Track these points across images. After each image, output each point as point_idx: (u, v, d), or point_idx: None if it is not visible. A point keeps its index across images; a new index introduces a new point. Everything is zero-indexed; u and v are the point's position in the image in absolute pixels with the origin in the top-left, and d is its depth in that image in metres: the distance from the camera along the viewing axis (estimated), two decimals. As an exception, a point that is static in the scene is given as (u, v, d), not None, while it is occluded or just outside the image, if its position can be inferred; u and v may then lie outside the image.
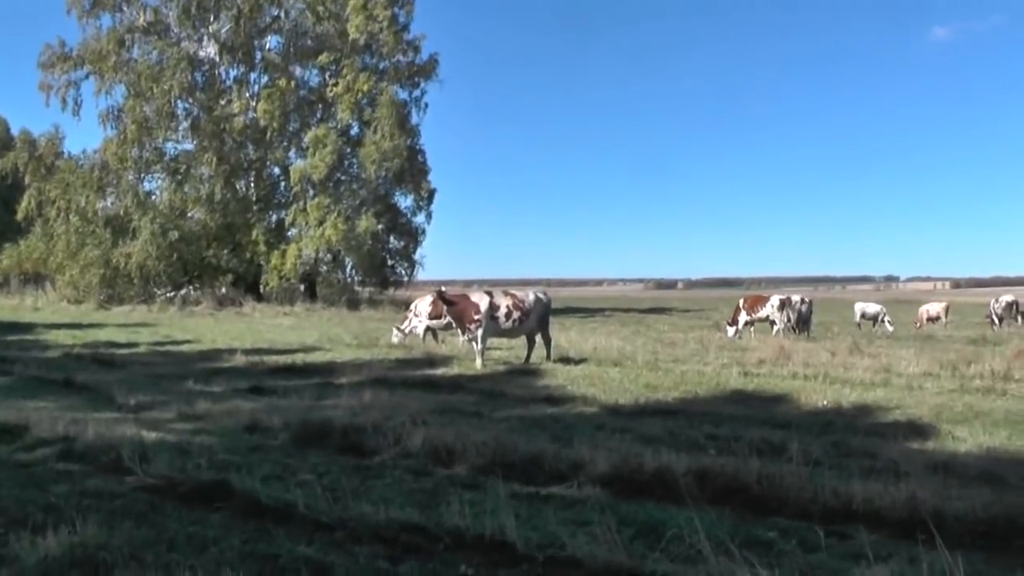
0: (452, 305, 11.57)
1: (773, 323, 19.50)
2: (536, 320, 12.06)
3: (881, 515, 4.04)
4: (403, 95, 32.20)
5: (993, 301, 29.81)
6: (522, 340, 12.56)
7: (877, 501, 4.16)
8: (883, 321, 27.01)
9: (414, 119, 32.61)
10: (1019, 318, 28.13)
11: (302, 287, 31.39)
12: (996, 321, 27.84)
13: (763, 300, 19.98)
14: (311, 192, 29.95)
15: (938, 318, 28.99)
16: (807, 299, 21.66)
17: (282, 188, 31.89)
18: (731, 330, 19.60)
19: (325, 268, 31.40)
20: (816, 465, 5.33)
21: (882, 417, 7.77)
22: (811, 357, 12.78)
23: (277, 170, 32.30)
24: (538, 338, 12.16)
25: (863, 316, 27.66)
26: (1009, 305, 29.06)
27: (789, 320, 19.48)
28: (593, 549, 3.41)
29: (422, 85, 32.62)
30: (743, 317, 19.82)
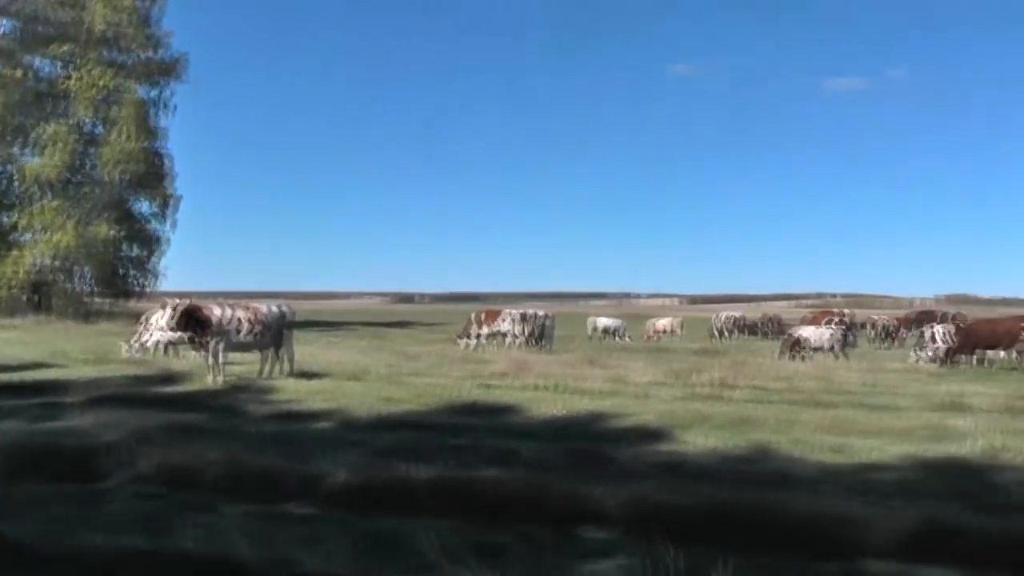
0: (195, 318, 12.16)
1: (509, 336, 22.33)
2: (275, 333, 12.96)
3: (611, 514, 4.75)
4: (147, 94, 33.36)
5: (714, 317, 37.02)
6: (262, 355, 13.33)
7: (607, 501, 4.83)
8: (621, 335, 31.61)
9: (161, 121, 33.94)
10: (739, 332, 35.17)
11: (31, 297, 31.38)
12: (717, 335, 34.62)
13: (497, 314, 22.90)
14: (44, 194, 30.22)
15: (667, 331, 34.70)
16: (549, 314, 24.65)
17: (12, 189, 31.61)
18: (462, 343, 22.23)
19: (58, 277, 31.58)
20: (551, 471, 6.13)
21: (615, 424, 9.02)
22: (548, 369, 14.43)
23: (6, 169, 31.66)
24: (281, 352, 13.23)
25: (599, 330, 31.99)
26: (729, 320, 36.15)
27: (525, 333, 22.38)
28: (329, 565, 3.75)
29: (169, 85, 34.05)
30: (476, 330, 22.57)
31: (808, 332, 20.52)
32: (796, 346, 19.98)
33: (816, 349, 19.97)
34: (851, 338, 22.23)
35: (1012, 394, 12.37)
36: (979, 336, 18.74)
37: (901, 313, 39.13)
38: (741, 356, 17.66)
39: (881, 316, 32.35)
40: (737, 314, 36.38)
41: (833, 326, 21.97)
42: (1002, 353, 18.99)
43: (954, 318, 27.86)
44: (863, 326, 31.02)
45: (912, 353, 20.36)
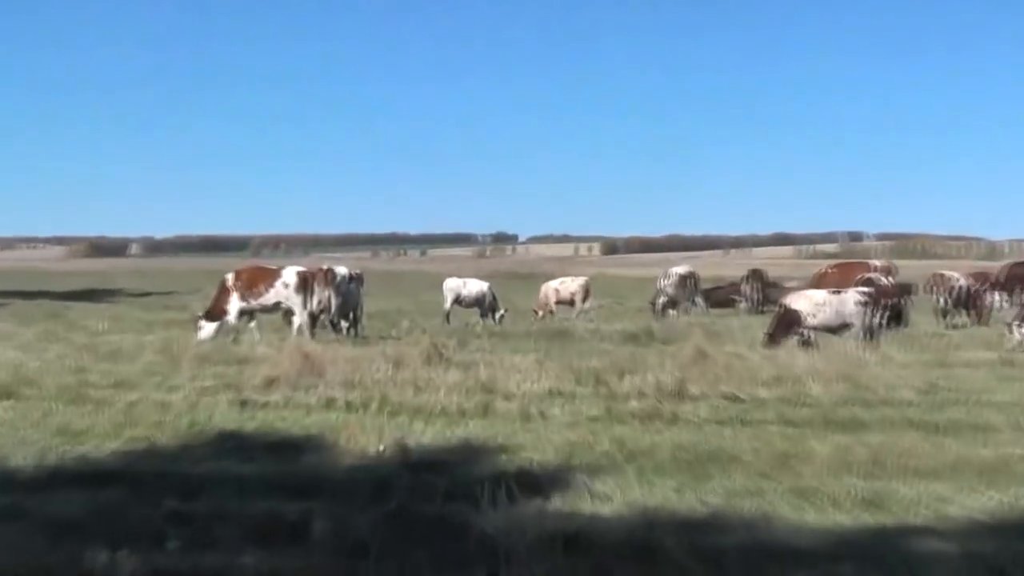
0: None
1: (291, 314, 22.56)
2: None
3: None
4: None
5: (662, 275, 37.94)
6: None
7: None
8: (492, 309, 32.04)
9: None
10: (696, 299, 36.68)
11: None
12: (662, 306, 35.58)
13: (270, 275, 22.94)
14: None
15: (572, 301, 35.56)
16: (358, 272, 25.36)
17: None
18: (210, 328, 22.12)
19: None
20: (362, 554, 6.22)
21: (477, 467, 9.22)
22: (359, 370, 14.62)
23: None
24: None
25: (458, 301, 32.16)
26: (683, 279, 37.22)
27: (314, 306, 22.70)
28: None
29: None
30: (235, 303, 22.52)
31: (814, 300, 21.27)
32: (794, 324, 20.71)
33: (834, 329, 20.79)
34: (904, 309, 23.11)
35: None
36: None
37: (982, 266, 41.40)
38: (701, 342, 18.13)
39: (951, 274, 33.73)
40: (691, 271, 37.54)
41: (864, 290, 22.75)
42: None
43: None
44: (924, 290, 32.43)
45: (1011, 332, 21.48)
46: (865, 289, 22.43)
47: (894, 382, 14.71)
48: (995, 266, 37.89)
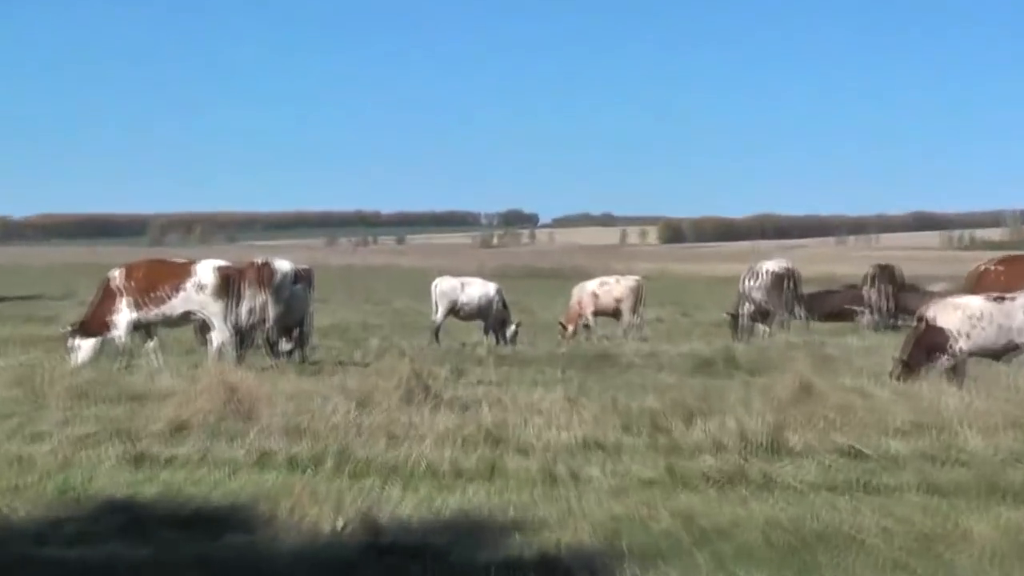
0: None
1: (207, 328, 22.96)
2: None
3: None
4: None
5: (747, 274, 37.51)
6: None
7: None
8: (501, 323, 31.78)
9: None
10: (797, 308, 36.26)
11: None
12: (748, 318, 35.25)
13: (176, 273, 23.18)
14: None
15: (618, 311, 35.41)
16: (306, 268, 26.08)
17: None
18: (88, 347, 22.37)
19: None
20: None
21: (480, 553, 9.23)
22: (308, 411, 14.70)
23: None
24: None
25: (454, 311, 32.03)
26: (779, 279, 36.90)
27: (253, 318, 23.02)
28: None
29: None
30: (125, 313, 22.72)
31: (969, 312, 21.16)
32: (940, 347, 20.65)
33: (998, 352, 20.71)
34: None
35: None
36: None
37: None
38: (806, 372, 18.07)
39: None
40: (789, 267, 37.40)
41: None
42: None
43: None
44: None
45: None
46: None
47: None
48: None
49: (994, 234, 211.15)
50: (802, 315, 36.18)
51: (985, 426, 14.33)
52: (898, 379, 19.47)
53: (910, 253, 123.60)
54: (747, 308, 35.58)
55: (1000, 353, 20.58)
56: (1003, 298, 21.44)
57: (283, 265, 24.39)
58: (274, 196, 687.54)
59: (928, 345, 20.64)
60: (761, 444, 13.36)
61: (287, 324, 24.12)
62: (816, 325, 36.26)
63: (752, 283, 36.23)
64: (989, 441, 13.74)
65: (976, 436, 13.84)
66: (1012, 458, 13.05)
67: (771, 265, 37.20)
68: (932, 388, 17.51)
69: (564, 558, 9.08)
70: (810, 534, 9.80)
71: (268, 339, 23.86)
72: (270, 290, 23.12)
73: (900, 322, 33.42)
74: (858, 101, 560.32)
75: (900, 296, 36.79)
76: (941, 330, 20.63)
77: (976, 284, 30.15)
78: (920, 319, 21.74)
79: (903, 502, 11.08)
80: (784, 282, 36.12)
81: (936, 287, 36.41)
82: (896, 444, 13.63)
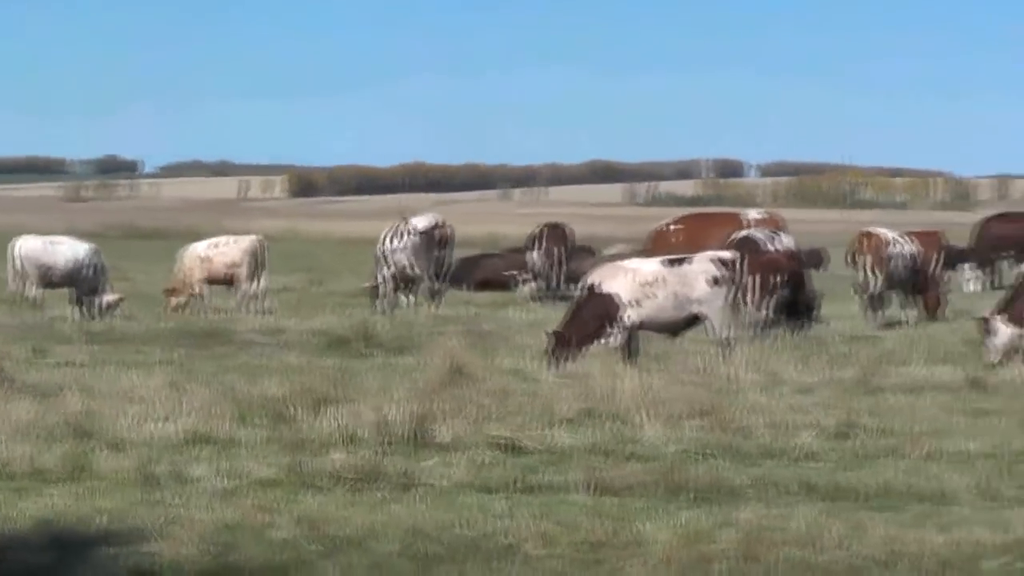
0: None
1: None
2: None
3: None
4: None
5: (389, 232, 37.51)
6: None
7: None
8: (93, 291, 31.48)
9: None
10: (447, 274, 36.86)
11: None
12: (381, 287, 35.41)
13: None
14: None
15: (233, 278, 34.91)
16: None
17: None
18: None
19: None
20: None
21: (62, 571, 9.24)
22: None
23: None
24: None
25: (44, 278, 31.60)
26: (427, 239, 37.00)
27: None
28: None
29: None
30: None
31: (640, 277, 21.42)
32: (608, 318, 20.97)
33: (676, 325, 21.28)
34: (806, 293, 24.02)
35: None
36: None
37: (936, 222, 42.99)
38: (457, 352, 18.32)
39: (887, 233, 34.65)
40: (438, 222, 37.82)
41: (723, 256, 23.11)
42: None
43: None
44: (845, 260, 33.41)
45: (990, 332, 22.42)
46: (726, 255, 22.95)
47: (787, 419, 15.31)
48: (962, 221, 39.47)
49: (686, 188, 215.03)
50: (443, 283, 36.61)
51: (667, 415, 14.77)
52: (554, 357, 19.79)
53: (588, 210, 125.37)
54: (384, 273, 35.78)
55: (680, 326, 21.07)
56: (680, 261, 21.96)
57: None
58: None
59: (593, 315, 20.96)
60: (403, 437, 13.60)
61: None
62: (473, 296, 36.74)
63: (395, 243, 36.45)
64: (670, 432, 14.22)
65: (655, 426, 14.32)
66: (696, 451, 13.52)
67: (418, 222, 37.48)
68: (605, 369, 17.85)
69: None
70: (459, 542, 10.00)
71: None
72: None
73: (570, 291, 34.01)
74: (520, 32, 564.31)
75: (571, 261, 37.40)
76: (609, 297, 20.98)
77: (653, 246, 31.22)
78: (585, 286, 22.13)
79: (568, 503, 11.43)
80: (432, 242, 36.47)
81: (613, 249, 37.19)
82: (562, 436, 14.01)
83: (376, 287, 35.59)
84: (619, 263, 23.31)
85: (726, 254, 22.42)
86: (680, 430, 14.29)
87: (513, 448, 13.44)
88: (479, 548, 9.87)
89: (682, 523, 10.53)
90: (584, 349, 20.06)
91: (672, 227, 34.10)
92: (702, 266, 21.25)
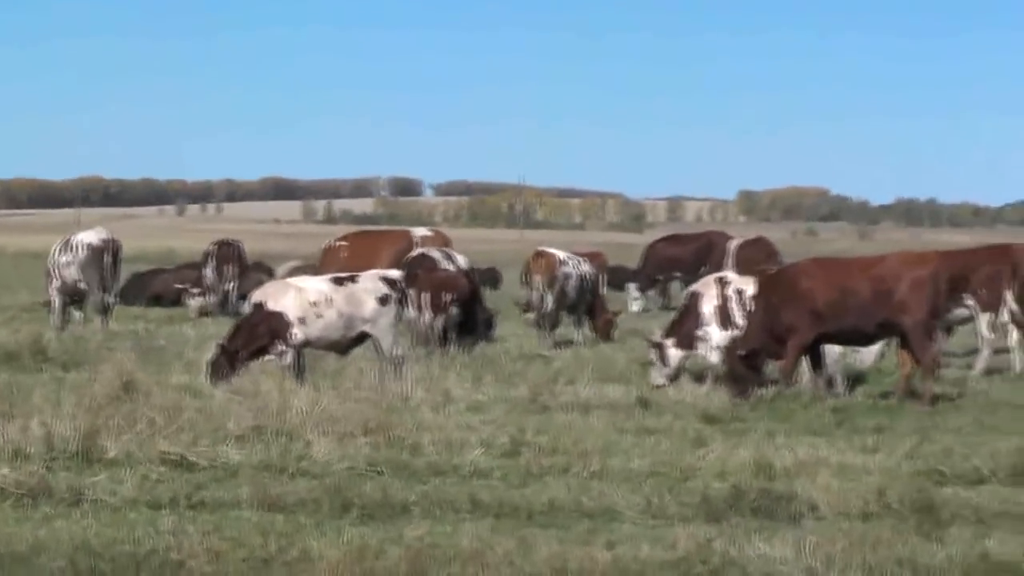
0: None
1: None
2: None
3: None
4: None
5: (59, 247, 37.30)
6: None
7: None
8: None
9: None
10: (113, 288, 36.96)
11: None
12: (61, 297, 35.54)
13: None
14: None
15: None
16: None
17: None
18: None
19: None
20: None
21: None
22: None
23: None
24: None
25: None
26: (98, 253, 36.74)
27: None
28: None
29: None
30: None
31: (307, 296, 21.58)
32: (274, 337, 21.10)
33: (344, 344, 21.42)
34: (477, 312, 24.27)
35: None
36: None
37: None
38: (128, 367, 18.24)
39: (558, 253, 35.60)
40: (107, 239, 37.70)
41: (390, 275, 23.48)
42: None
43: None
44: (521, 280, 34.31)
45: (660, 355, 22.72)
46: (393, 274, 23.17)
47: (457, 437, 15.56)
48: (635, 242, 40.39)
49: (364, 206, 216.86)
50: (112, 300, 36.48)
51: (338, 432, 14.88)
52: (215, 370, 19.84)
53: (266, 227, 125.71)
54: (58, 287, 35.53)
55: (350, 345, 21.23)
56: (348, 280, 22.12)
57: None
58: None
59: (260, 333, 21.00)
60: (71, 452, 13.50)
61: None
62: (146, 311, 36.66)
63: (64, 257, 36.17)
64: (341, 449, 14.35)
65: (326, 443, 14.42)
66: (365, 468, 13.67)
67: (88, 236, 37.23)
68: (278, 387, 17.92)
69: None
70: (126, 558, 10.02)
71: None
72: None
73: (242, 308, 34.16)
74: (199, 45, 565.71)
75: (244, 278, 37.53)
76: (277, 315, 21.09)
77: (322, 263, 31.39)
78: (253, 303, 22.24)
79: (238, 520, 11.52)
80: (104, 257, 36.23)
81: (288, 266, 37.31)
82: (232, 452, 14.08)
83: (50, 303, 35.24)
84: (287, 281, 23.40)
85: (392, 273, 22.67)
86: (351, 447, 14.41)
87: (183, 464, 13.46)
88: (147, 564, 9.92)
89: (350, 540, 10.67)
90: (246, 365, 20.05)
91: (339, 244, 34.26)
92: (370, 284, 21.40)
